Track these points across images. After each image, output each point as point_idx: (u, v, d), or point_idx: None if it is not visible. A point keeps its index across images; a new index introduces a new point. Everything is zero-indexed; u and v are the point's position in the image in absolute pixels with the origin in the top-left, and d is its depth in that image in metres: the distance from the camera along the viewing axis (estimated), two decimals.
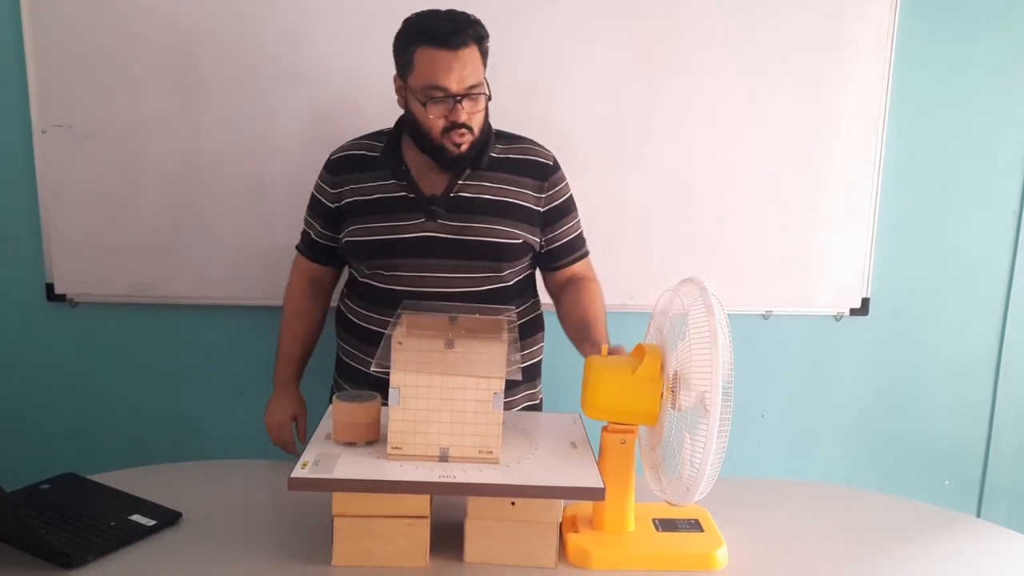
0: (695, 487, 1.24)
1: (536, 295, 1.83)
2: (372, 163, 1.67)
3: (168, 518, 1.39)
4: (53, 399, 2.28)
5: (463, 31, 1.52)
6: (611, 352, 1.40)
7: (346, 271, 1.81)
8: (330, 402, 1.49)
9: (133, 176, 2.14)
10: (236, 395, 2.30)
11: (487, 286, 1.68)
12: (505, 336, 1.34)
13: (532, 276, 1.81)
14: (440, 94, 1.52)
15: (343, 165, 1.70)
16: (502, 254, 1.66)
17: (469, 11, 1.56)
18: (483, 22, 1.56)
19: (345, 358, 1.80)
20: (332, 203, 1.70)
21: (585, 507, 1.40)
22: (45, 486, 1.48)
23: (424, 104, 1.54)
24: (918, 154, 2.30)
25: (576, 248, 1.76)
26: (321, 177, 1.73)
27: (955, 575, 1.35)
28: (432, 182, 1.64)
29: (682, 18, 2.14)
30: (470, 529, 1.30)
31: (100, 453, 2.25)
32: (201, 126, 2.12)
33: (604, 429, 1.36)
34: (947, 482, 2.50)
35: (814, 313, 2.36)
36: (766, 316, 2.35)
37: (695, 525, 1.39)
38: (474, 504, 1.29)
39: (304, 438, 1.78)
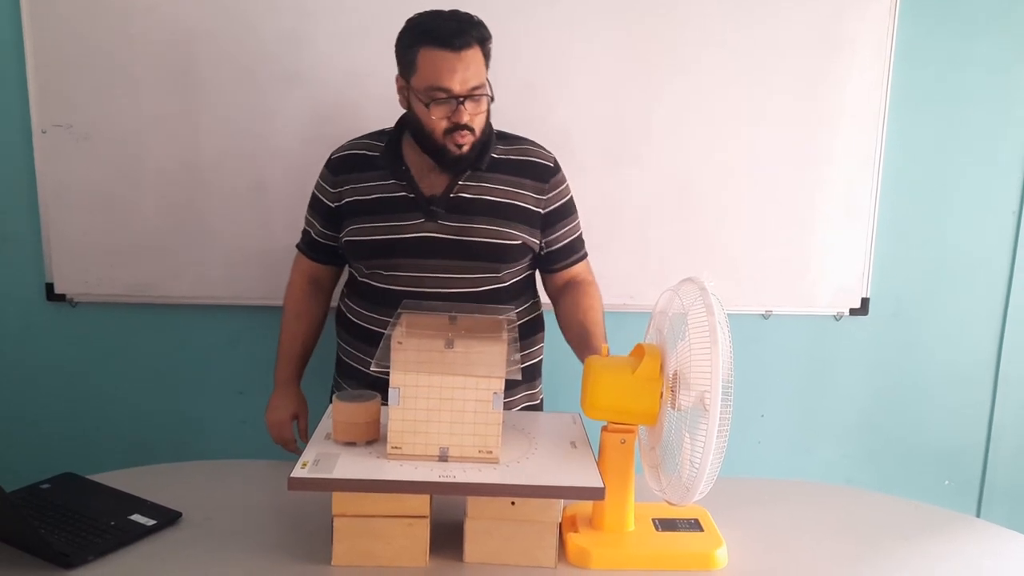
0: (695, 487, 1.24)
1: (536, 295, 1.83)
2: (372, 163, 1.67)
3: (168, 518, 1.39)
4: (53, 399, 2.28)
5: (466, 32, 1.52)
6: None
7: (346, 270, 1.81)
8: (330, 402, 1.49)
9: (133, 176, 2.14)
10: (236, 395, 2.30)
11: (486, 286, 1.68)
12: (505, 336, 1.34)
13: (532, 277, 1.81)
14: (443, 95, 1.52)
15: (343, 164, 1.70)
16: (501, 255, 1.66)
17: (469, 11, 1.56)
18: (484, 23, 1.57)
19: (345, 358, 1.80)
20: (332, 202, 1.70)
21: (585, 507, 1.40)
22: (45, 486, 1.49)
23: (427, 105, 1.54)
24: (918, 154, 2.30)
25: (575, 250, 1.76)
26: (322, 176, 1.73)
27: (955, 575, 1.35)
28: (432, 182, 1.64)
29: (681, 18, 2.14)
30: (470, 529, 1.30)
31: (100, 453, 2.25)
32: (201, 126, 2.12)
33: (604, 429, 1.36)
34: (947, 482, 2.50)
35: (814, 313, 2.36)
36: (766, 316, 2.35)
37: (695, 525, 1.39)
38: (474, 504, 1.29)
39: (305, 436, 1.78)
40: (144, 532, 1.35)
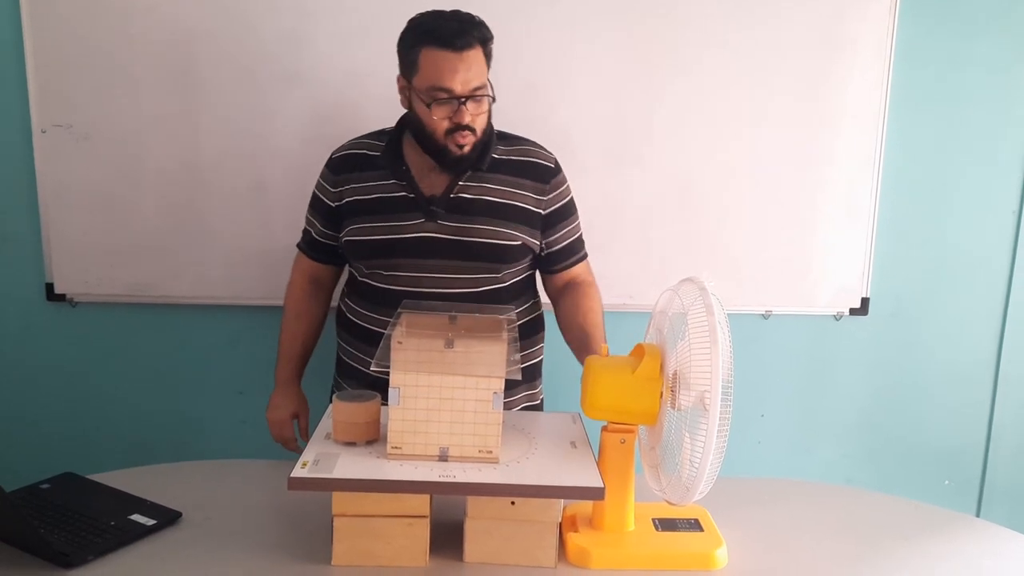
0: (695, 487, 1.24)
1: (536, 295, 1.83)
2: (373, 163, 1.67)
3: (168, 518, 1.39)
4: (53, 399, 2.28)
5: (468, 32, 1.52)
6: None
7: (346, 270, 1.81)
8: (330, 401, 1.49)
9: (133, 176, 2.14)
10: (236, 395, 2.30)
11: (486, 287, 1.68)
12: (505, 335, 1.34)
13: (532, 277, 1.81)
14: (444, 95, 1.52)
15: (344, 164, 1.70)
16: (501, 256, 1.66)
17: (470, 11, 1.56)
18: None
19: (345, 357, 1.80)
20: (332, 202, 1.70)
21: (585, 506, 1.40)
22: (45, 486, 1.49)
23: (428, 105, 1.53)
24: (918, 154, 2.30)
25: (576, 251, 1.76)
26: (322, 175, 1.73)
27: (955, 575, 1.35)
28: (432, 182, 1.64)
29: (682, 18, 2.14)
30: (470, 529, 1.30)
31: (100, 453, 2.25)
32: (201, 126, 2.12)
33: (604, 429, 1.36)
34: (947, 482, 2.50)
35: (814, 313, 2.36)
36: (766, 316, 2.35)
37: (695, 525, 1.39)
38: (474, 504, 1.29)
39: (306, 435, 1.78)
40: (144, 532, 1.35)
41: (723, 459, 1.25)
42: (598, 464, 1.33)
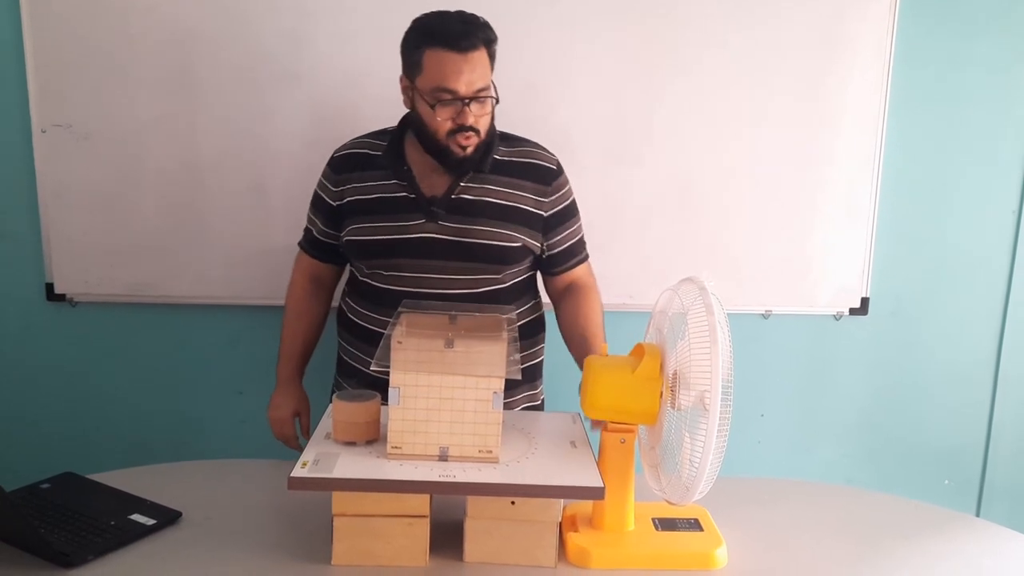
0: (694, 486, 1.24)
1: (537, 296, 1.83)
2: (374, 162, 1.67)
3: (168, 517, 1.39)
4: (53, 399, 2.28)
5: (473, 34, 1.51)
6: None
7: (347, 270, 1.81)
8: (331, 401, 1.49)
9: (133, 176, 2.14)
10: (236, 395, 2.30)
11: (487, 287, 1.68)
12: (505, 335, 1.34)
13: (533, 278, 1.80)
14: (448, 96, 1.52)
15: (345, 163, 1.69)
16: (502, 257, 1.66)
17: (470, 11, 1.56)
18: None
19: (345, 357, 1.80)
20: (334, 201, 1.70)
21: (585, 506, 1.40)
22: (45, 486, 1.49)
23: (432, 106, 1.53)
24: (918, 154, 2.30)
25: (577, 253, 1.76)
26: (324, 174, 1.73)
27: (955, 574, 1.35)
28: (433, 183, 1.64)
29: (682, 18, 2.14)
30: (470, 528, 1.30)
31: (100, 453, 2.25)
32: (201, 126, 2.12)
33: (604, 428, 1.36)
34: (946, 481, 2.50)
35: (813, 313, 2.36)
36: (766, 316, 2.35)
37: (695, 524, 1.40)
38: (474, 503, 1.29)
39: (307, 433, 1.79)
40: (144, 532, 1.35)
41: (723, 459, 1.25)
42: (598, 464, 1.33)
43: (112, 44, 2.07)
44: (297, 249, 1.82)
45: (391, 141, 1.67)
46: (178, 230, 2.17)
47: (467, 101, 1.52)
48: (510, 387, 1.63)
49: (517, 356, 1.34)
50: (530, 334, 1.78)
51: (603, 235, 2.09)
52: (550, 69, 2.14)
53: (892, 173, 2.28)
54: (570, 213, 1.73)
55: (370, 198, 1.65)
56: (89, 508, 1.40)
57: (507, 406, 1.52)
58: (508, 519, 1.29)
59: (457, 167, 1.60)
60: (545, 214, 1.69)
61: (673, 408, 1.29)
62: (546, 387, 1.88)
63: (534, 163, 1.69)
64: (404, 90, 1.61)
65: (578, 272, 1.76)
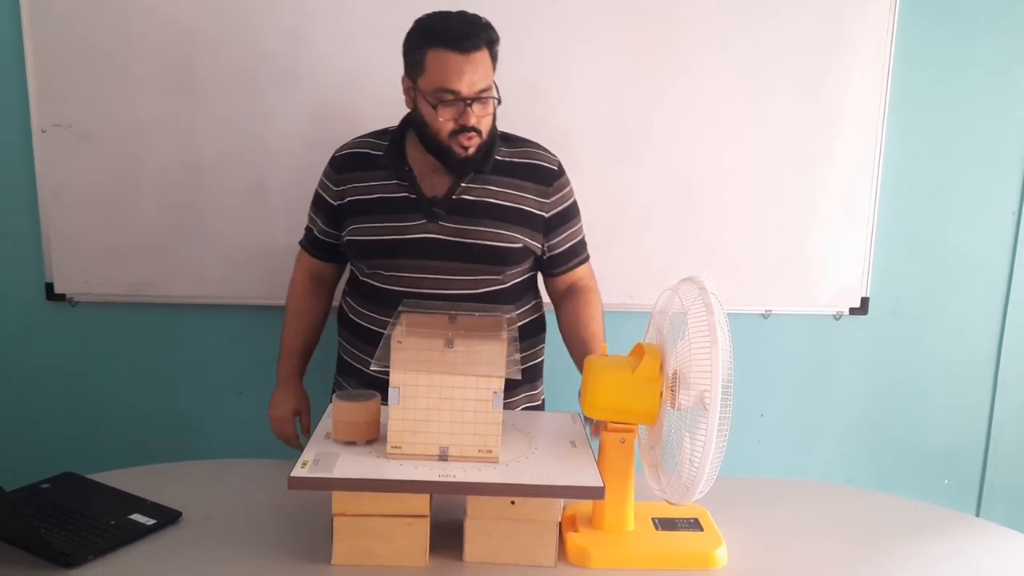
0: (694, 486, 1.24)
1: (538, 296, 1.83)
2: (375, 162, 1.67)
3: (168, 517, 1.39)
4: (53, 399, 2.28)
5: (475, 34, 1.51)
6: None
7: (348, 269, 1.81)
8: (331, 400, 1.49)
9: (133, 176, 2.14)
10: (236, 395, 2.30)
11: (488, 288, 1.68)
12: (505, 335, 1.34)
13: (534, 278, 1.80)
14: (451, 97, 1.52)
15: (346, 163, 1.69)
16: (502, 258, 1.65)
17: (466, 10, 1.56)
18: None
19: (346, 357, 1.80)
20: (335, 201, 1.70)
21: (584, 506, 1.40)
22: (45, 485, 1.49)
23: (434, 106, 1.53)
24: (918, 154, 2.30)
25: (578, 254, 1.76)
26: (325, 174, 1.72)
27: (954, 574, 1.35)
28: (434, 183, 1.64)
29: (682, 18, 2.14)
30: (469, 528, 1.30)
31: (100, 452, 2.25)
32: (201, 126, 2.12)
33: (603, 428, 1.36)
34: (946, 481, 2.50)
35: (813, 312, 2.36)
36: (765, 315, 2.35)
37: (694, 524, 1.40)
38: (474, 503, 1.29)
39: (307, 432, 1.79)
40: (144, 531, 1.35)
41: (723, 459, 1.25)
42: (598, 464, 1.33)
43: (112, 44, 2.07)
44: (298, 248, 1.83)
45: (392, 141, 1.67)
46: (178, 230, 2.17)
47: (469, 102, 1.52)
48: (510, 387, 1.64)
49: (517, 356, 1.34)
50: (531, 334, 1.78)
51: (603, 235, 2.09)
52: (550, 69, 2.14)
53: (892, 173, 2.28)
54: (571, 214, 1.73)
55: (371, 198, 1.65)
56: (89, 508, 1.40)
57: (507, 406, 1.52)
58: (508, 519, 1.29)
59: (459, 168, 1.60)
60: (546, 215, 1.68)
61: (673, 408, 1.29)
62: (546, 387, 1.88)
63: (535, 164, 1.68)
64: (406, 90, 1.61)
65: (579, 273, 1.76)
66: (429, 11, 1.57)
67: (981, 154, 2.31)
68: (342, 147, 1.72)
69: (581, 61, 2.15)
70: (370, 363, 1.52)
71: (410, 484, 1.24)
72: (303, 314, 1.80)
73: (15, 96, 2.10)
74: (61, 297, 2.20)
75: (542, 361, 1.85)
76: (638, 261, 2.24)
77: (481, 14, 1.56)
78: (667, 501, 1.33)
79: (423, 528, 1.28)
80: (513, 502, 1.28)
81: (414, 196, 1.63)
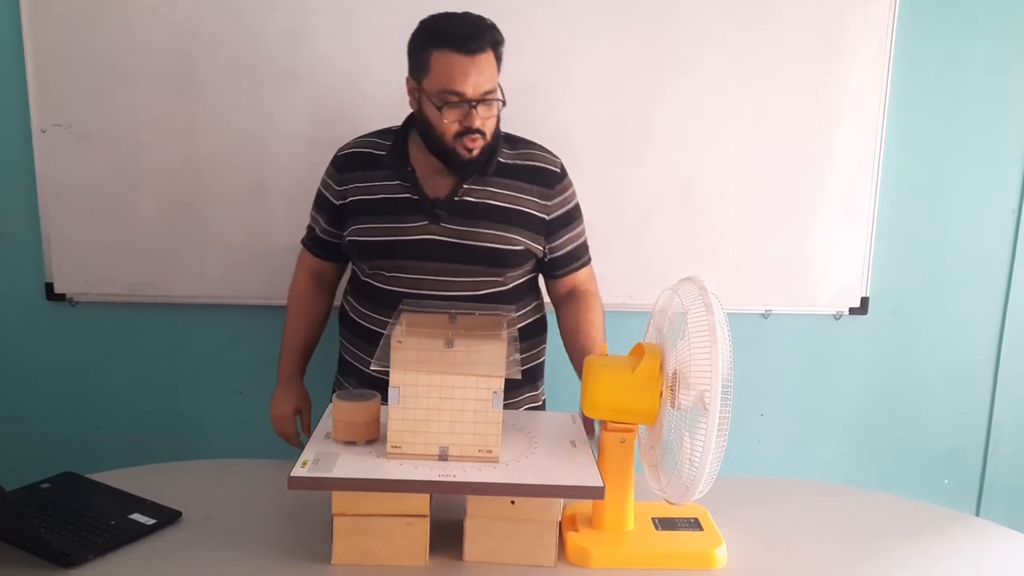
0: (694, 486, 1.24)
1: (539, 297, 1.82)
2: (378, 162, 1.66)
3: (168, 517, 1.39)
4: (53, 398, 2.28)
5: (481, 36, 1.50)
6: None
7: (350, 268, 1.81)
8: (332, 400, 1.49)
9: (133, 176, 2.14)
10: (236, 394, 2.30)
11: (488, 290, 1.68)
12: (505, 334, 1.34)
13: (535, 279, 1.80)
14: (456, 99, 1.51)
15: (349, 162, 1.69)
16: (504, 260, 1.65)
17: (471, 11, 1.56)
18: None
19: (347, 356, 1.80)
20: (337, 200, 1.69)
21: (584, 506, 1.40)
22: (45, 485, 1.49)
23: (439, 108, 1.52)
24: (918, 154, 2.30)
25: (579, 256, 1.75)
26: (327, 173, 1.72)
27: (954, 574, 1.35)
28: (436, 185, 1.64)
29: (682, 18, 2.14)
30: (469, 528, 1.30)
31: (100, 452, 2.25)
32: (201, 126, 2.12)
33: (603, 428, 1.36)
34: (946, 481, 2.50)
35: (813, 312, 2.36)
36: (765, 315, 2.35)
37: (694, 524, 1.40)
38: (473, 503, 1.29)
39: (308, 431, 1.79)
40: (144, 531, 1.35)
41: (723, 458, 1.25)
42: (598, 463, 1.33)
43: (112, 44, 2.07)
44: (299, 247, 1.82)
45: (395, 141, 1.67)
46: (178, 230, 2.17)
47: (474, 103, 1.52)
48: (512, 388, 1.63)
49: (517, 356, 1.34)
50: (532, 335, 1.78)
51: (603, 235, 2.09)
52: (550, 69, 2.14)
53: (892, 173, 2.28)
54: (573, 216, 1.73)
55: (373, 198, 1.65)
56: (89, 508, 1.40)
57: (509, 407, 1.52)
58: (508, 519, 1.29)
59: (462, 169, 1.60)
60: (547, 217, 1.68)
61: (673, 408, 1.29)
62: (547, 388, 1.88)
63: (537, 166, 1.68)
64: (410, 91, 1.60)
65: (580, 277, 1.76)
66: (429, 11, 1.57)
67: (981, 153, 2.31)
68: (344, 146, 1.72)
69: (581, 61, 2.15)
70: (371, 363, 1.52)
71: (410, 484, 1.24)
72: (304, 313, 1.80)
73: (15, 96, 2.10)
74: (61, 297, 2.20)
75: (543, 362, 1.85)
76: (638, 261, 2.24)
77: (483, 14, 1.55)
78: (667, 501, 1.33)
79: (423, 528, 1.28)
80: (513, 502, 1.28)
81: (416, 197, 1.63)
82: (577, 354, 1.67)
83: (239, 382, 2.29)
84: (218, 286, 2.21)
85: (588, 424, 1.49)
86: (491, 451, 1.30)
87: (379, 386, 1.38)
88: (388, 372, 1.29)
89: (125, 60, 2.08)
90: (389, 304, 1.58)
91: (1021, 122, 2.30)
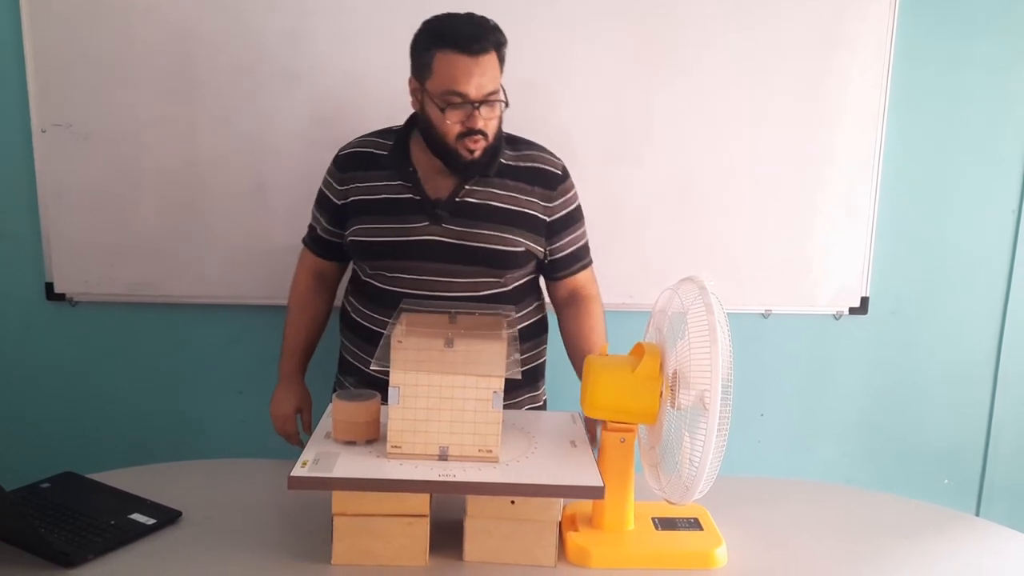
0: (694, 486, 1.24)
1: (540, 298, 1.82)
2: (379, 162, 1.66)
3: (168, 517, 1.39)
4: (53, 398, 2.28)
5: (484, 37, 1.50)
6: None
7: (351, 267, 1.81)
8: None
9: (133, 176, 2.14)
10: (236, 394, 2.30)
11: (490, 291, 1.67)
12: (504, 334, 1.34)
13: (536, 280, 1.80)
14: (458, 100, 1.51)
15: (350, 162, 1.69)
16: (504, 261, 1.65)
17: (471, 11, 1.56)
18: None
19: (347, 356, 1.80)
20: (339, 200, 1.69)
21: (584, 506, 1.40)
22: (45, 485, 1.49)
23: (442, 109, 1.52)
24: (918, 154, 2.30)
25: (580, 259, 1.75)
26: (329, 172, 1.72)
27: (954, 574, 1.35)
28: (438, 185, 1.64)
29: (682, 18, 2.14)
30: (469, 528, 1.30)
31: (100, 452, 2.25)
32: (200, 126, 2.12)
33: (603, 428, 1.36)
34: (946, 481, 2.50)
35: (813, 312, 2.36)
36: (765, 315, 2.35)
37: (694, 524, 1.40)
38: (473, 503, 1.29)
39: (309, 429, 1.79)
40: (144, 531, 1.35)
41: (723, 458, 1.25)
42: (598, 463, 1.33)
43: (112, 44, 2.07)
44: (299, 246, 1.82)
45: (397, 141, 1.66)
46: (178, 230, 2.17)
47: (477, 105, 1.51)
48: (513, 388, 1.64)
49: (517, 356, 1.34)
50: (533, 336, 1.78)
51: (603, 235, 2.09)
52: (550, 69, 2.14)
53: (892, 173, 2.28)
54: (574, 219, 1.72)
55: (374, 198, 1.65)
56: (89, 508, 1.40)
57: (510, 407, 1.51)
58: (508, 518, 1.29)
59: (464, 170, 1.60)
60: (548, 219, 1.68)
61: (673, 407, 1.29)
62: (548, 388, 1.88)
63: (539, 168, 1.68)
64: (413, 92, 1.60)
65: (581, 279, 1.76)
66: (428, 11, 1.57)
67: (981, 153, 2.31)
68: (346, 145, 1.72)
69: (581, 61, 2.15)
70: (371, 363, 1.52)
71: (410, 484, 1.24)
72: (305, 311, 1.80)
73: (15, 96, 2.10)
74: (61, 297, 2.20)
75: (544, 362, 1.85)
76: (638, 261, 2.24)
77: (483, 14, 1.55)
78: (667, 501, 1.33)
79: (423, 528, 1.28)
80: (513, 502, 1.28)
81: (418, 198, 1.63)
82: (579, 360, 1.66)
83: (239, 382, 2.29)
84: (218, 286, 2.21)
85: (591, 426, 1.49)
86: (491, 451, 1.30)
87: (380, 386, 1.38)
88: (388, 372, 1.29)
89: (125, 60, 2.08)
90: (390, 304, 1.58)
91: (1021, 122, 2.30)
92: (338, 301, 1.86)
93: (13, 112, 2.11)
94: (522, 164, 1.67)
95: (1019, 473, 2.49)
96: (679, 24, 2.14)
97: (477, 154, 1.57)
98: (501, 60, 1.55)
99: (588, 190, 1.82)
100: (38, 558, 1.26)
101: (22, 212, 2.17)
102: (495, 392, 1.29)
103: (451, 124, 1.53)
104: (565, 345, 1.73)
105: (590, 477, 1.27)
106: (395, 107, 1.66)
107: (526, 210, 1.65)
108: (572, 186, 1.72)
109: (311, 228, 1.79)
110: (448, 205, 1.62)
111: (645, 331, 1.45)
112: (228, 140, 2.13)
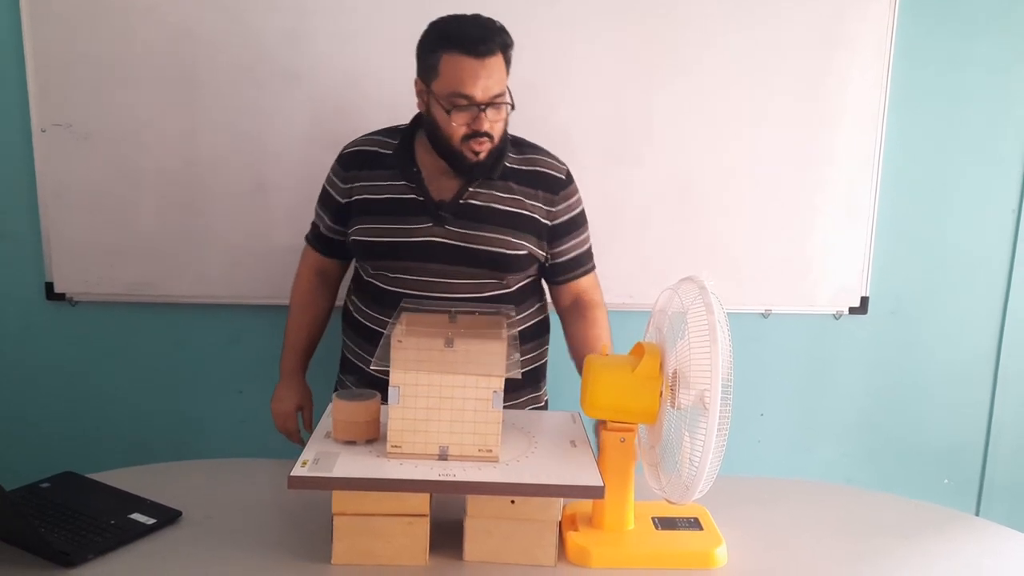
0: (694, 485, 1.24)
1: (543, 299, 1.82)
2: (383, 161, 1.66)
3: (168, 517, 1.39)
4: (53, 398, 2.28)
5: (491, 39, 1.50)
6: None
7: (353, 267, 1.81)
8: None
9: (133, 176, 2.14)
10: (236, 394, 2.30)
11: (492, 292, 1.67)
12: (505, 334, 1.34)
13: (538, 282, 1.79)
14: (464, 102, 1.51)
15: (355, 160, 1.68)
16: (507, 264, 1.65)
17: (471, 11, 1.56)
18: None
19: (349, 355, 1.80)
20: (342, 198, 1.69)
21: (584, 505, 1.40)
22: (45, 485, 1.48)
23: (448, 111, 1.52)
24: (918, 153, 2.30)
25: (582, 263, 1.75)
26: (333, 170, 1.72)
27: (954, 574, 1.35)
28: (442, 187, 1.63)
29: (682, 18, 2.14)
30: (469, 527, 1.30)
31: (100, 452, 2.25)
32: (201, 126, 2.12)
33: (603, 427, 1.36)
34: (946, 481, 2.50)
35: (813, 312, 2.36)
36: (765, 315, 2.35)
37: (694, 523, 1.39)
38: (473, 502, 1.29)
39: (309, 427, 1.79)
40: (144, 531, 1.35)
41: (723, 458, 1.25)
42: (598, 463, 1.33)
43: (112, 44, 2.07)
44: (299, 246, 1.82)
45: (401, 141, 1.66)
46: (178, 230, 2.17)
47: (483, 107, 1.51)
48: (514, 388, 1.64)
49: (517, 356, 1.34)
50: (534, 336, 1.78)
51: (603, 235, 2.08)
52: (550, 69, 2.14)
53: (892, 173, 2.28)
54: (577, 223, 1.72)
55: (378, 198, 1.64)
56: (89, 507, 1.40)
57: (512, 407, 1.51)
58: (508, 518, 1.29)
59: (468, 172, 1.60)
60: (551, 223, 1.68)
61: (673, 407, 1.29)
62: (549, 388, 1.88)
63: (543, 172, 1.68)
64: (419, 93, 1.60)
65: (583, 284, 1.75)
66: (429, 11, 1.57)
67: (981, 153, 2.32)
68: (351, 143, 1.71)
69: (581, 61, 2.15)
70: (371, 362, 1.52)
71: (410, 483, 1.24)
72: (307, 308, 1.80)
73: (15, 96, 2.10)
74: (61, 297, 2.20)
75: (546, 363, 1.85)
76: (638, 261, 2.24)
77: (482, 14, 1.55)
78: (667, 500, 1.33)
79: (423, 527, 1.28)
80: (513, 501, 1.28)
81: (421, 199, 1.63)
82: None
83: (239, 382, 2.29)
84: (218, 286, 2.21)
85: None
86: (491, 451, 1.30)
87: (380, 385, 1.38)
88: (388, 371, 1.29)
89: (125, 60, 2.08)
90: (391, 304, 1.58)
91: (1021, 122, 2.30)
92: (340, 300, 1.85)
93: (13, 112, 2.11)
94: (526, 167, 1.67)
95: (1019, 473, 2.50)
96: (679, 24, 2.15)
97: (482, 156, 1.57)
98: (507, 62, 1.54)
99: (588, 190, 1.82)
100: (38, 558, 1.26)
101: (22, 212, 2.17)
102: (495, 392, 1.29)
103: (457, 126, 1.53)
104: (570, 352, 1.74)
105: (590, 477, 1.27)
106: (395, 107, 1.66)
107: (529, 213, 1.65)
108: (576, 191, 1.71)
109: (314, 225, 1.79)
110: (451, 207, 1.62)
111: (645, 331, 1.45)
112: (228, 140, 2.13)
